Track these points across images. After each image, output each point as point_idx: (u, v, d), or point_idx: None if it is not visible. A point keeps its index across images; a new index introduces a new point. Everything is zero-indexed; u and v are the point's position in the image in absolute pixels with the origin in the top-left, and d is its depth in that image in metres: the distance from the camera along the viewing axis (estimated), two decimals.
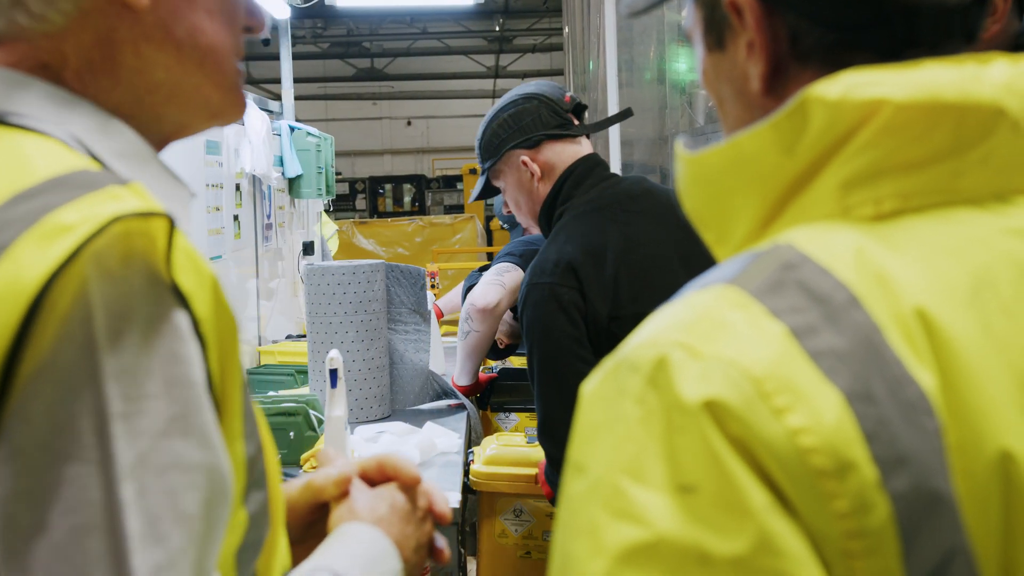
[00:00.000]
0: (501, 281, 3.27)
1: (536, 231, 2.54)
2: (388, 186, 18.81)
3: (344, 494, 1.06)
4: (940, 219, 0.69)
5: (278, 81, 5.40)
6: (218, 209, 3.64)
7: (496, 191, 2.51)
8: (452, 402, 3.38)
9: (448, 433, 2.90)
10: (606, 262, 2.20)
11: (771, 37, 0.75)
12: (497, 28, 17.23)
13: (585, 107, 2.45)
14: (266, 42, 16.44)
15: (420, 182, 18.87)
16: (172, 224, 0.71)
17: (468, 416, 3.25)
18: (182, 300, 0.71)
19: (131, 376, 0.67)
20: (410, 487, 1.10)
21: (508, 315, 3.39)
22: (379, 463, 1.10)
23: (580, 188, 2.34)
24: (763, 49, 0.76)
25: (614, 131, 5.89)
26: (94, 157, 0.79)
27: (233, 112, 0.92)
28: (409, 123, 19.66)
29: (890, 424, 0.61)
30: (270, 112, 4.87)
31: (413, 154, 19.67)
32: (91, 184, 0.71)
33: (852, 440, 0.60)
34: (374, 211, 18.47)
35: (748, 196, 0.74)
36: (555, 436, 2.18)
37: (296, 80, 5.55)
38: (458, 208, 17.55)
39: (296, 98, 5.44)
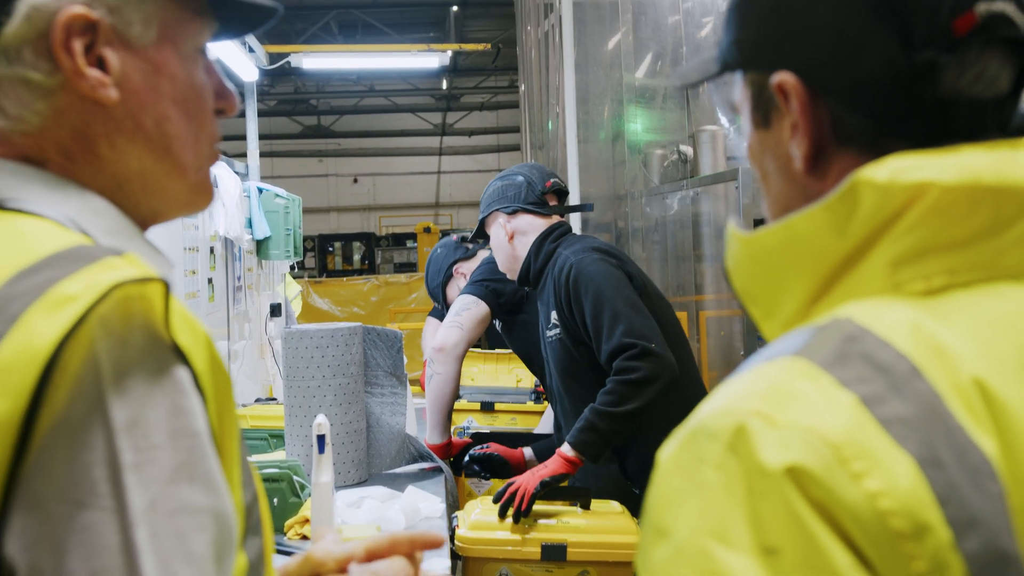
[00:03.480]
0: (460, 322, 3.47)
1: (510, 277, 3.21)
2: (337, 244, 18.76)
3: (342, 571, 1.06)
4: (985, 294, 0.74)
5: (234, 138, 5.41)
6: (194, 272, 3.63)
7: (487, 236, 3.21)
8: (428, 465, 3.38)
9: (430, 497, 2.89)
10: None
11: (814, 120, 0.80)
12: (444, 86, 17.38)
13: (566, 192, 3.19)
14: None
15: (370, 240, 18.84)
16: (167, 288, 0.77)
17: (445, 479, 3.25)
18: (182, 357, 0.76)
19: (139, 428, 0.72)
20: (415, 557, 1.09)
21: None
22: (392, 544, 1.09)
23: (562, 238, 3.06)
24: (806, 131, 0.80)
25: (573, 187, 5.98)
26: (87, 235, 0.84)
27: (201, 201, 0.97)
28: (355, 180, 19.65)
29: (959, 488, 0.64)
30: (237, 174, 4.87)
31: (360, 211, 19.65)
32: (89, 257, 0.76)
33: (926, 503, 0.64)
34: (323, 269, 18.38)
35: (799, 274, 0.78)
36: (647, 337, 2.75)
37: (240, 138, 5.57)
38: (408, 266, 17.54)
39: (238, 155, 5.44)
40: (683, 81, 0.99)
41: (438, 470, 3.32)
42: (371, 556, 1.08)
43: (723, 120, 6.19)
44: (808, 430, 0.66)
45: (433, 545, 1.10)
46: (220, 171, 3.98)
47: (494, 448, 3.36)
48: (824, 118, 0.80)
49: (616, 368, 2.74)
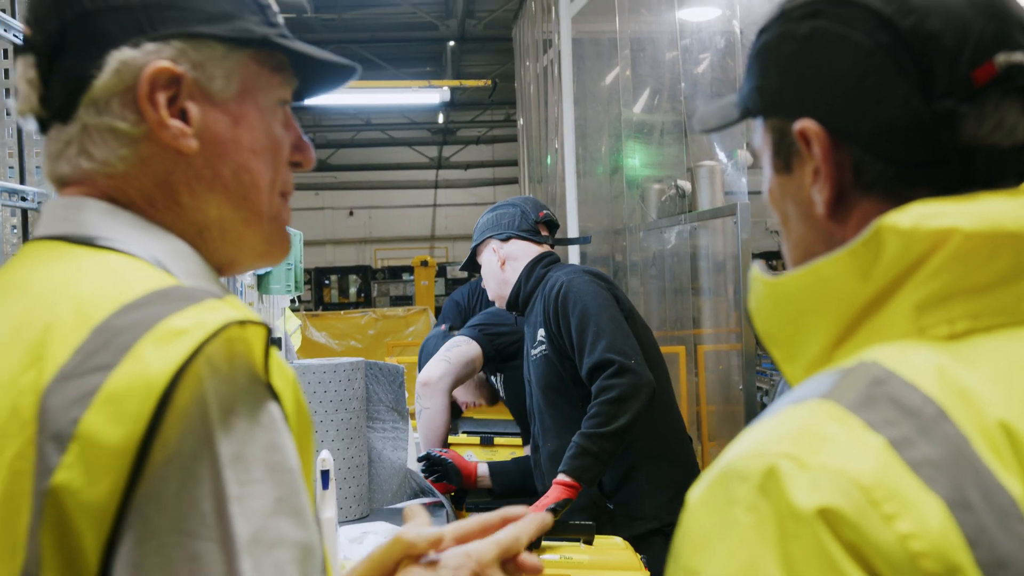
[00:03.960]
0: (448, 356, 3.51)
1: (501, 305, 3.24)
2: (334, 277, 18.77)
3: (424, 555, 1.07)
4: (1007, 338, 0.75)
5: None
6: None
7: (477, 267, 3.28)
8: (429, 500, 3.37)
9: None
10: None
11: (837, 167, 0.82)
12: (441, 120, 17.46)
13: (557, 225, 3.28)
14: None
15: (366, 273, 18.85)
16: (268, 332, 0.81)
17: (447, 514, 3.24)
18: (275, 397, 0.80)
19: (242, 463, 0.77)
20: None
21: (480, 377, 3.51)
22: (483, 526, 1.09)
23: (552, 264, 3.16)
24: (828, 177, 0.82)
25: (572, 222, 6.00)
26: (171, 275, 0.89)
27: (277, 252, 1.01)
28: (351, 213, 19.68)
29: (988, 530, 0.65)
30: None
31: (356, 244, 19.68)
32: (193, 297, 0.81)
33: (957, 545, 0.64)
34: (319, 303, 18.38)
35: (824, 317, 0.79)
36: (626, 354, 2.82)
37: None
38: (405, 299, 17.54)
39: None
40: (703, 126, 1.00)
41: (439, 505, 3.31)
42: (460, 541, 1.09)
43: (721, 155, 6.23)
44: (839, 472, 0.66)
45: (517, 520, 1.10)
46: None
47: (451, 455, 3.42)
48: (846, 164, 0.81)
49: (597, 389, 2.82)
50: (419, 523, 1.10)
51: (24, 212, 2.95)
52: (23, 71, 0.93)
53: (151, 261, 0.89)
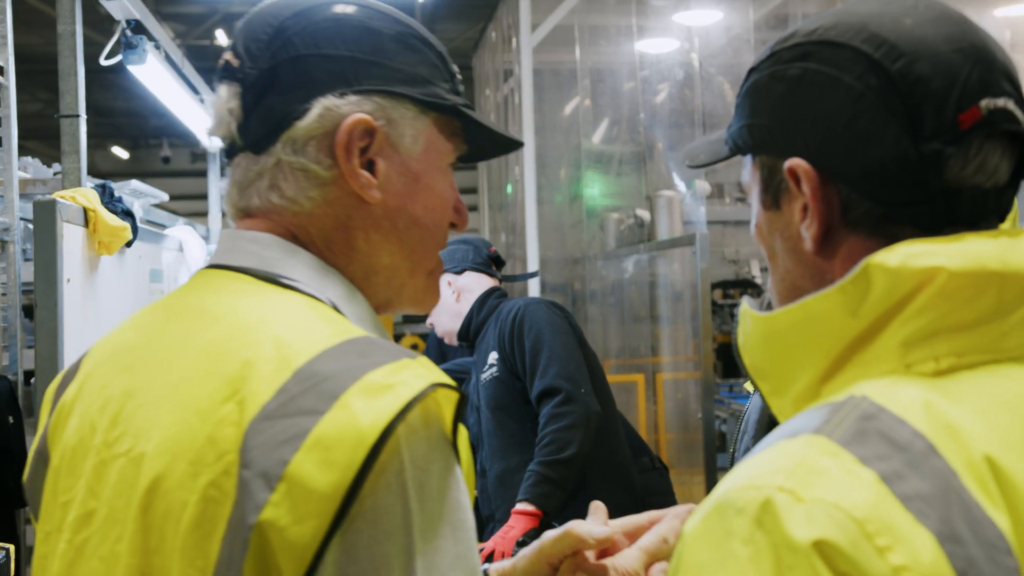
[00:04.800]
0: None
1: (450, 340, 3.36)
2: None
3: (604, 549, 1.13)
4: (991, 375, 0.77)
5: (192, 198, 5.40)
6: None
7: None
8: None
9: None
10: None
11: (825, 204, 0.84)
12: None
13: (503, 262, 3.43)
14: (166, 160, 16.09)
15: None
16: (461, 396, 0.84)
17: None
18: (459, 458, 0.84)
19: (430, 521, 0.80)
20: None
21: None
22: (651, 521, 1.15)
23: (505, 296, 3.28)
24: (817, 214, 0.84)
25: (532, 250, 6.02)
26: (345, 318, 0.94)
27: (429, 301, 1.08)
28: None
29: (977, 563, 0.67)
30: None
31: None
32: (390, 353, 0.84)
33: None
34: None
35: (813, 352, 0.81)
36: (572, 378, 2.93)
37: (197, 197, 5.55)
38: None
39: (195, 215, 5.45)
40: (693, 161, 1.02)
41: None
42: (630, 536, 1.14)
43: (679, 185, 6.29)
44: (834, 506, 0.68)
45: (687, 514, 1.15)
46: (186, 235, 3.97)
47: None
48: (834, 202, 0.83)
49: (547, 416, 2.90)
50: (596, 519, 1.15)
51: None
52: (226, 99, 0.97)
53: (327, 303, 0.94)
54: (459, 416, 0.84)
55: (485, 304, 3.24)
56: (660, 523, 1.14)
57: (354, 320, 0.95)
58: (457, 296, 3.28)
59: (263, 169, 0.97)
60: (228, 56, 0.99)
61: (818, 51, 0.84)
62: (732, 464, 1.36)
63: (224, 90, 0.98)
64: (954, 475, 0.70)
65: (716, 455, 4.68)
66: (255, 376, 0.83)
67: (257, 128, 0.96)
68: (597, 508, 1.17)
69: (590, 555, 1.13)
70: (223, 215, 5.24)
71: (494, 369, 3.12)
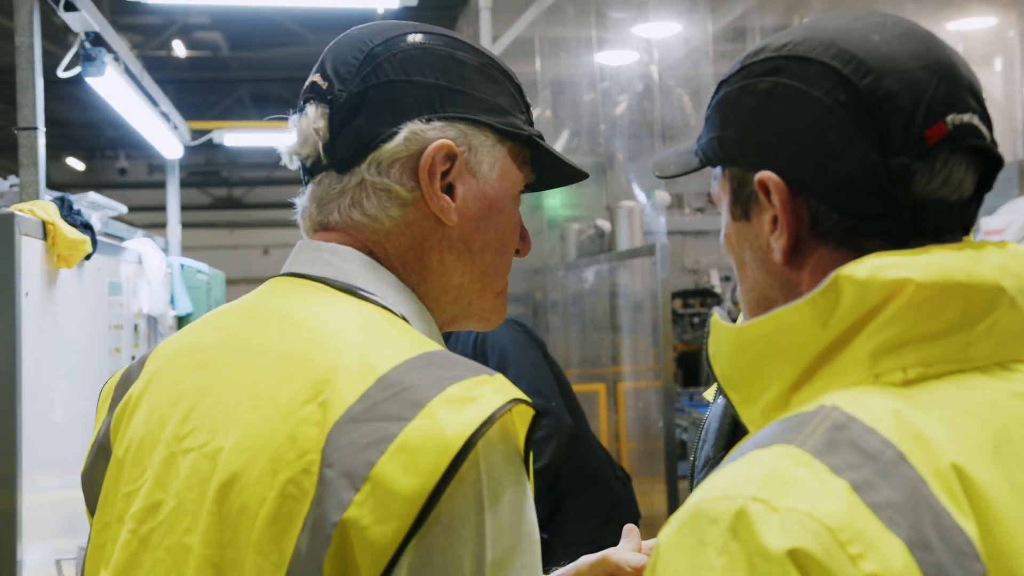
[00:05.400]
0: None
1: None
2: None
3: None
4: (957, 384, 0.78)
5: (151, 209, 5.35)
6: (118, 351, 3.56)
7: None
8: None
9: None
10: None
11: (794, 217, 0.85)
12: None
13: None
14: (123, 171, 15.98)
15: None
16: (536, 413, 0.87)
17: None
18: (528, 472, 0.88)
19: (500, 531, 0.84)
20: None
21: None
22: None
23: None
24: (786, 226, 0.85)
25: None
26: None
27: (496, 319, 1.11)
28: (266, 252, 19.45)
29: (946, 569, 0.68)
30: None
31: None
32: (468, 368, 0.88)
33: None
34: None
35: (783, 362, 0.82)
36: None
37: (156, 209, 5.51)
38: None
39: (153, 226, 5.40)
40: (662, 172, 1.04)
41: None
42: None
43: (639, 196, 6.33)
44: (807, 515, 0.69)
45: None
46: (146, 248, 3.93)
47: None
48: (803, 215, 0.85)
49: None
50: (630, 543, 1.19)
51: None
52: (314, 119, 1.01)
53: (400, 316, 0.97)
54: (532, 433, 0.88)
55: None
56: None
57: (423, 335, 0.97)
58: None
59: (346, 187, 1.01)
60: (316, 78, 1.03)
61: (788, 66, 0.85)
62: (692, 472, 1.37)
63: (312, 110, 1.02)
64: (923, 483, 0.71)
65: (677, 463, 4.70)
66: (339, 380, 0.86)
67: (344, 148, 1.01)
68: (631, 532, 1.21)
69: None
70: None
71: None
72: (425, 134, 1.00)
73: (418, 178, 1.00)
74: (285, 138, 1.06)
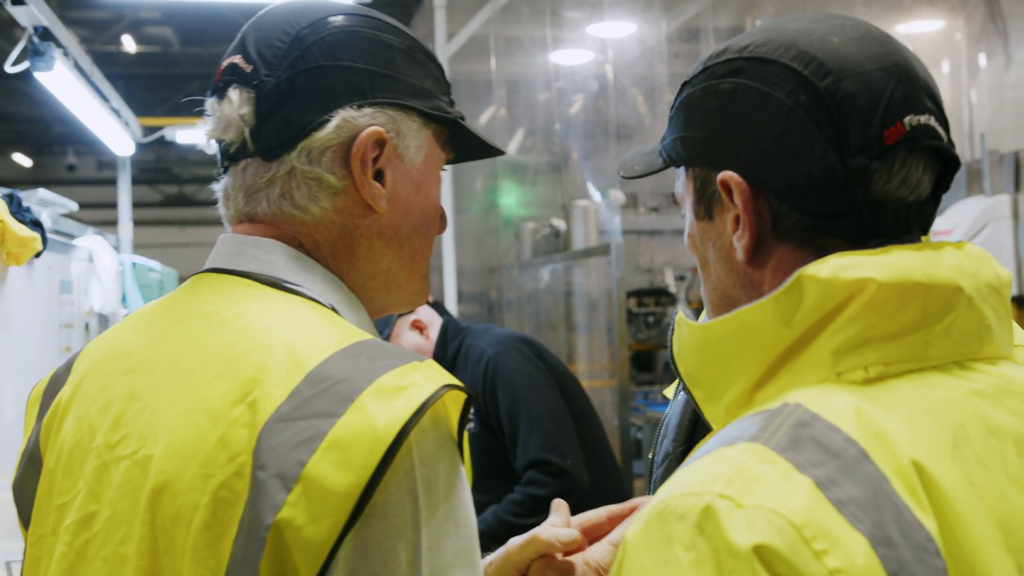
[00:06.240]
0: None
1: None
2: None
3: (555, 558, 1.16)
4: (916, 383, 0.80)
5: (100, 206, 5.28)
6: (68, 349, 3.50)
7: None
8: None
9: None
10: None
11: (756, 216, 0.86)
12: None
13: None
14: (71, 168, 15.71)
15: None
16: (468, 397, 0.87)
17: None
18: (462, 456, 0.87)
19: (435, 517, 0.83)
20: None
21: None
22: (609, 517, 1.19)
23: (460, 332, 3.06)
24: (748, 225, 0.86)
25: (448, 260, 6.02)
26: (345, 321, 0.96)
27: (419, 301, 1.11)
28: None
29: (908, 565, 0.69)
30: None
31: None
32: (398, 355, 0.87)
33: None
34: None
35: (746, 360, 0.83)
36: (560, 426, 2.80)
37: (105, 206, 5.45)
38: None
39: (103, 223, 5.34)
40: (627, 173, 1.04)
41: None
42: (588, 532, 1.17)
43: (594, 195, 6.37)
44: (772, 512, 0.70)
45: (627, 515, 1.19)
46: (97, 245, 3.87)
47: None
48: (765, 214, 0.86)
49: (527, 479, 2.77)
50: (559, 518, 1.17)
51: None
52: (238, 104, 0.98)
53: (328, 307, 0.96)
54: (465, 416, 0.87)
55: (448, 345, 3.01)
56: (628, 519, 1.17)
57: (354, 323, 0.97)
58: (424, 331, 3.02)
59: (275, 176, 0.99)
60: (237, 59, 0.99)
61: (749, 67, 0.86)
62: (651, 469, 1.38)
63: (235, 95, 0.99)
64: (885, 480, 0.72)
65: (632, 462, 4.72)
66: (267, 379, 0.85)
67: (271, 136, 0.98)
68: (559, 506, 1.19)
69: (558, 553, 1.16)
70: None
71: (471, 425, 2.93)
72: (356, 121, 0.98)
73: (349, 166, 0.99)
74: (204, 121, 1.02)
